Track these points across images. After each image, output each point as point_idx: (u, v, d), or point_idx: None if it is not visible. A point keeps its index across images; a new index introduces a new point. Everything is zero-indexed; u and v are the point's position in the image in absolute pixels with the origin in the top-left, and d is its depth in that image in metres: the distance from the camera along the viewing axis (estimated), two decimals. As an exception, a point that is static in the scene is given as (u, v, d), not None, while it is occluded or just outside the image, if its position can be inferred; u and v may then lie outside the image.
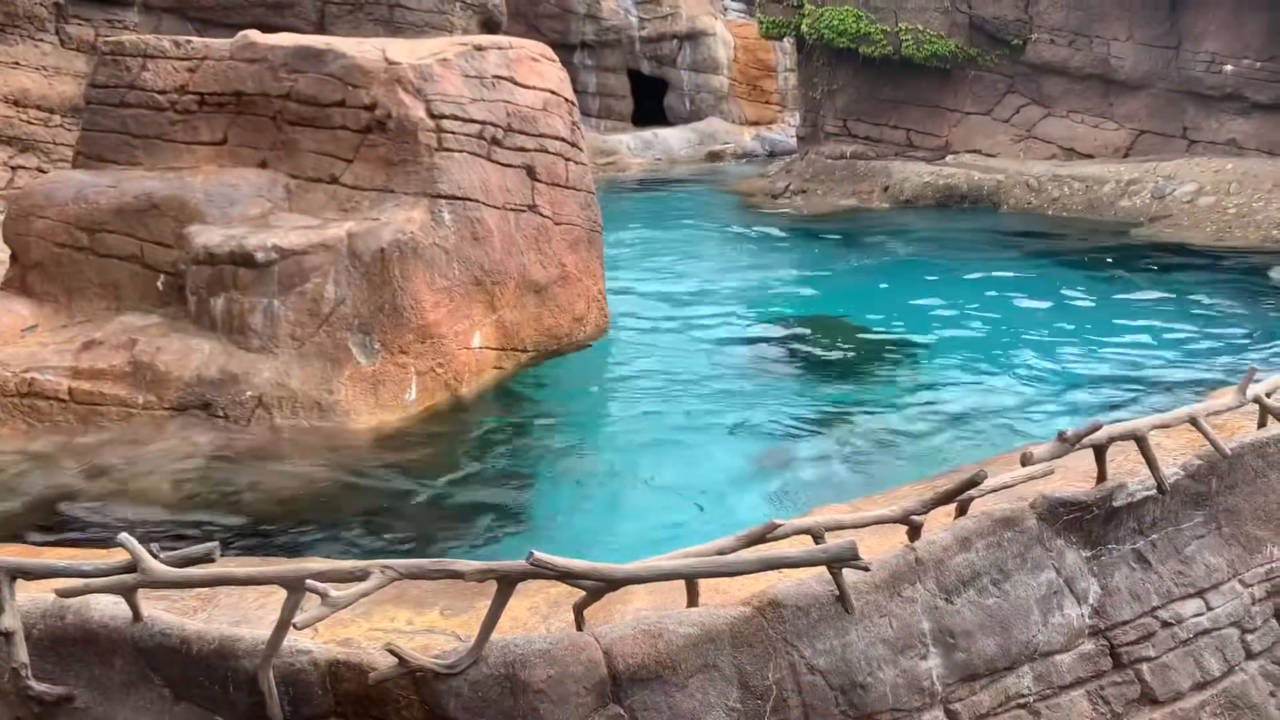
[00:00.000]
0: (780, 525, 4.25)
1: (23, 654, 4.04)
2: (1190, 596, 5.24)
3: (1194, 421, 5.31)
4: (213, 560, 4.09)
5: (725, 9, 30.66)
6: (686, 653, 4.01)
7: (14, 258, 8.94)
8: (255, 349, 7.98)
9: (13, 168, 16.94)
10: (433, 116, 8.84)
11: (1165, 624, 5.12)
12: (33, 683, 4.06)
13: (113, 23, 18.23)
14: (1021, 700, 4.67)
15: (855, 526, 4.47)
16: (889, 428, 7.95)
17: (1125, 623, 5.00)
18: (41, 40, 17.59)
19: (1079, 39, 18.70)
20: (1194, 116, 18.12)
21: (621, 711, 3.93)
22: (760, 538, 4.20)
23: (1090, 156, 18.71)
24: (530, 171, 9.49)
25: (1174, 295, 12.08)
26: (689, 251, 15.21)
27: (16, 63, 17.23)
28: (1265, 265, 13.27)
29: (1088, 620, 4.91)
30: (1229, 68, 17.54)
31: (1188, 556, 5.30)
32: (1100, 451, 5.01)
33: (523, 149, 9.46)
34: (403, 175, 8.73)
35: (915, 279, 13.17)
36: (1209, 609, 5.27)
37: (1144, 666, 4.99)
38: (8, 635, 4.02)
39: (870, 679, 4.29)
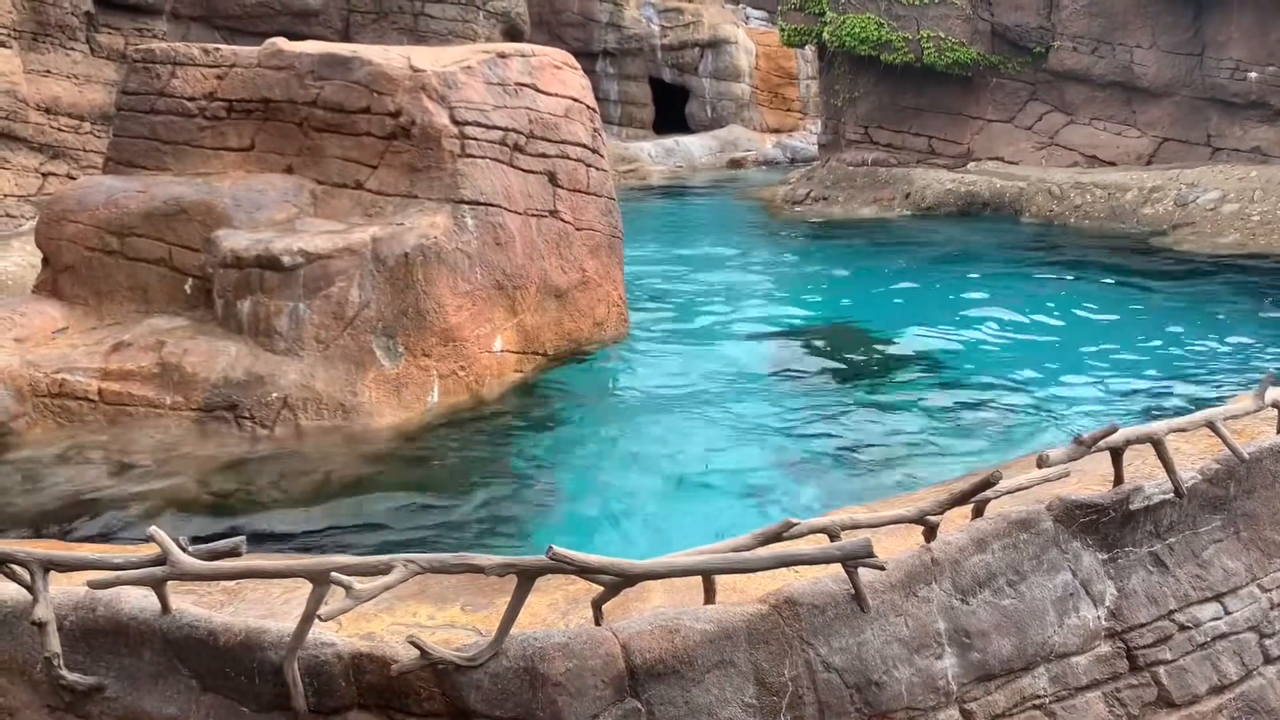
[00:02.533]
0: (796, 524, 4.29)
1: (55, 644, 4.14)
2: (1208, 600, 5.25)
3: (1212, 426, 5.32)
4: (239, 554, 4.18)
5: (747, 17, 30.73)
6: (703, 649, 4.06)
7: (46, 261, 9.10)
8: (281, 351, 8.09)
9: (44, 174, 17.20)
10: (456, 123, 8.94)
11: (1182, 627, 5.13)
12: (65, 672, 4.16)
13: (142, 31, 18.51)
14: (1037, 701, 4.70)
15: (871, 526, 4.51)
16: (906, 431, 7.98)
17: (1142, 625, 5.02)
18: (72, 49, 17.87)
19: (1102, 46, 18.66)
20: (1218, 124, 18.03)
21: (639, 705, 3.99)
22: (776, 536, 4.25)
23: (1113, 164, 18.65)
24: (552, 177, 9.59)
25: (1195, 302, 12.03)
26: (709, 258, 15.27)
27: (48, 71, 17.50)
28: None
29: (1104, 622, 4.93)
30: (1253, 75, 17.45)
31: (1205, 560, 5.31)
32: (1117, 455, 5.03)
33: (544, 155, 9.55)
34: (426, 181, 8.84)
35: (935, 286, 13.17)
36: (1227, 613, 5.28)
37: (1160, 669, 5.01)
38: (41, 626, 4.12)
39: (885, 677, 4.33)
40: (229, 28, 20.56)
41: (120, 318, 8.65)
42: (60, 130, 17.40)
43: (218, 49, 9.78)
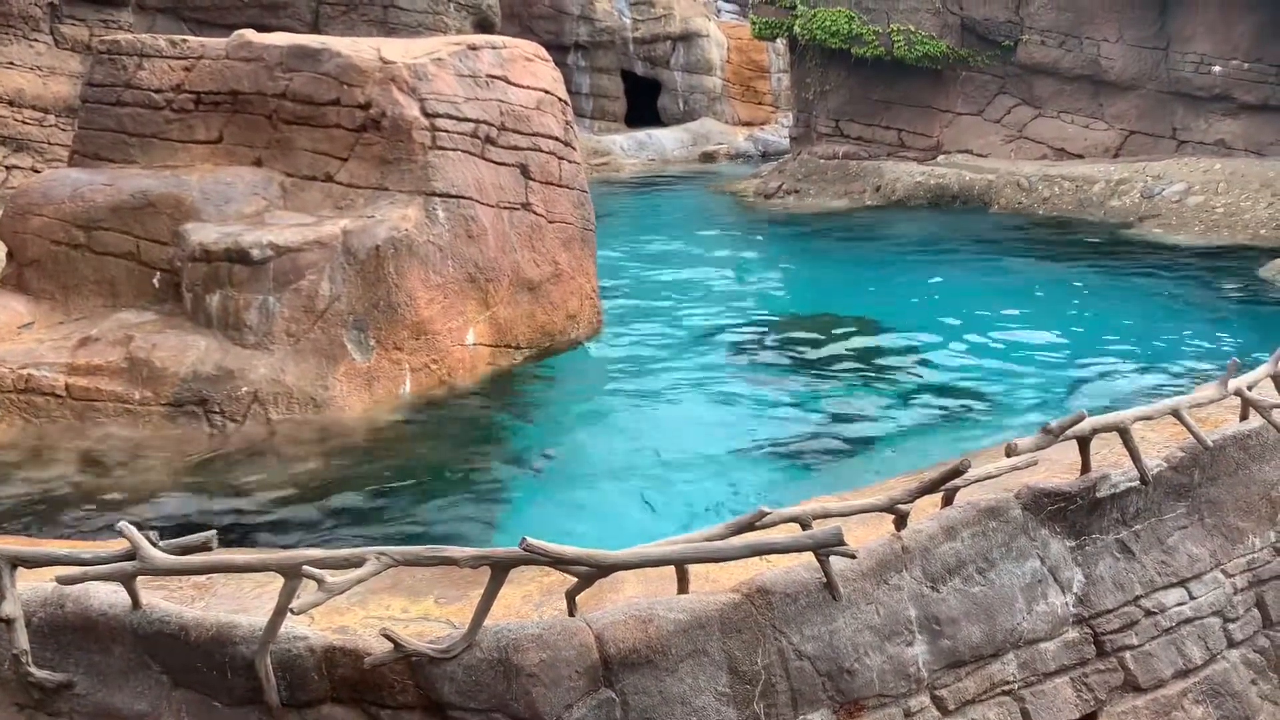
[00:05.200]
0: (769, 513, 4.32)
1: (23, 641, 4.10)
2: (1173, 586, 5.33)
3: (1177, 414, 5.39)
4: (210, 549, 4.16)
5: (719, 10, 30.78)
6: (677, 638, 4.09)
7: (11, 255, 8.99)
8: (251, 345, 8.03)
9: (7, 167, 16.98)
10: (427, 115, 8.90)
11: (1148, 613, 5.21)
12: (33, 669, 4.12)
13: (107, 23, 18.27)
14: (1006, 687, 4.75)
15: (842, 515, 4.54)
16: (877, 420, 8.03)
17: (1109, 611, 5.09)
18: (36, 40, 17.63)
19: (1069, 40, 18.82)
20: (1183, 117, 18.25)
21: (613, 695, 4.01)
22: (749, 525, 4.27)
23: (1080, 156, 18.83)
24: (524, 170, 9.56)
25: (1160, 292, 12.19)
26: (682, 250, 15.29)
27: (11, 63, 17.26)
28: (1251, 264, 13.39)
29: (1072, 609, 4.99)
30: (1217, 68, 17.67)
31: (1170, 546, 5.39)
32: (1084, 443, 5.10)
33: (516, 148, 9.52)
34: (397, 173, 8.80)
35: (906, 277, 13.26)
36: (1191, 598, 5.37)
37: (1127, 654, 5.08)
38: (9, 622, 4.08)
39: (857, 665, 4.37)
40: (196, 19, 20.34)
41: (87, 312, 8.56)
42: (24, 123, 17.18)
43: (185, 41, 9.69)
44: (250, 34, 9.56)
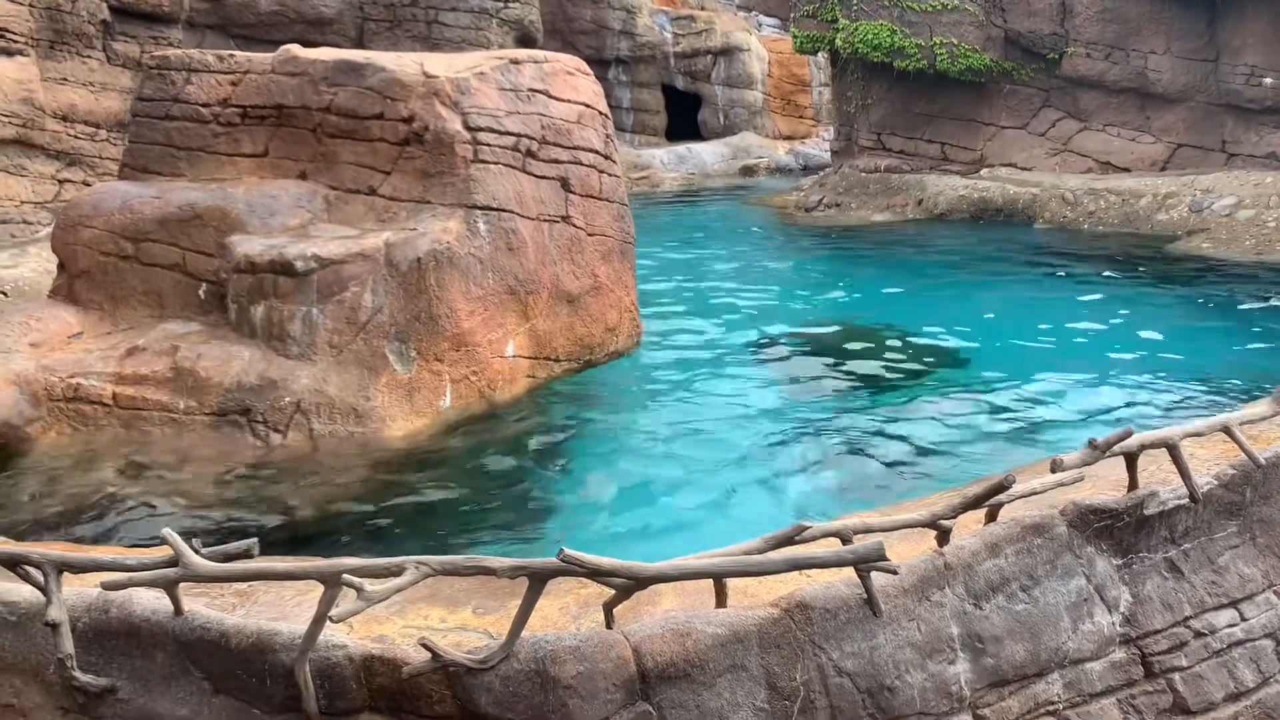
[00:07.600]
0: (809, 527, 4.28)
1: (68, 645, 4.16)
2: (1224, 607, 5.21)
3: (1227, 430, 5.28)
4: (252, 556, 4.19)
5: (760, 24, 30.80)
6: (715, 652, 4.05)
7: (62, 266, 9.16)
8: (294, 356, 8.11)
9: (60, 181, 17.33)
10: (469, 129, 8.97)
11: (1198, 634, 5.09)
12: (78, 673, 4.17)
13: (158, 39, 18.62)
14: (1051, 707, 4.66)
15: (883, 530, 4.49)
16: (921, 436, 7.95)
17: (1157, 631, 4.98)
18: (89, 57, 18.00)
19: (1116, 52, 18.62)
20: (1233, 129, 17.96)
21: (650, 709, 3.98)
22: (789, 540, 4.23)
23: (1127, 170, 18.60)
24: (564, 183, 9.60)
25: (1210, 307, 11.98)
26: (722, 263, 15.27)
27: (65, 79, 17.63)
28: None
29: (1118, 628, 4.89)
30: (1269, 80, 17.38)
31: (1221, 566, 5.27)
32: (1131, 459, 5.00)
33: (557, 161, 9.56)
34: (439, 186, 8.86)
35: (949, 291, 13.15)
36: (1243, 619, 5.24)
37: (1176, 676, 4.97)
38: (54, 627, 4.14)
39: (898, 682, 4.31)
40: (244, 35, 20.69)
41: (135, 323, 8.70)
42: (76, 137, 17.53)
43: (232, 55, 9.83)
44: (296, 49, 9.68)
